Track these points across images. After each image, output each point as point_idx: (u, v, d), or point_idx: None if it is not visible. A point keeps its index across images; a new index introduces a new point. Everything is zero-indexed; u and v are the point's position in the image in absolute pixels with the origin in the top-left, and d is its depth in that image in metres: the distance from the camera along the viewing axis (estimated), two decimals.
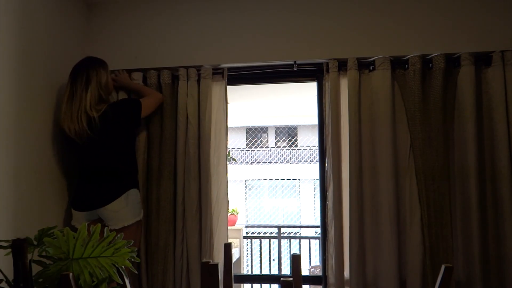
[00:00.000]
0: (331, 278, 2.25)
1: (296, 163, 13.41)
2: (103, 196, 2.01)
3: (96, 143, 2.02)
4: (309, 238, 5.46)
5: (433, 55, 2.18)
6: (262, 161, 13.66)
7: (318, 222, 2.41)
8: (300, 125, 13.40)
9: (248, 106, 6.87)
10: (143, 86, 2.34)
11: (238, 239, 5.07)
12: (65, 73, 2.14)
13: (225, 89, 2.35)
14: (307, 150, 13.34)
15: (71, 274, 1.09)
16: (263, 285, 4.98)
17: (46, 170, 2.00)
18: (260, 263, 5.21)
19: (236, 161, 13.24)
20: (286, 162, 13.51)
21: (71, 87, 2.03)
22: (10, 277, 1.21)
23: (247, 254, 5.46)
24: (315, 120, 2.42)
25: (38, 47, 1.97)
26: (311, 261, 5.15)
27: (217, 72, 2.35)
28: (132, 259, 1.28)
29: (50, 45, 2.06)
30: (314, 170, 11.73)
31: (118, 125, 2.08)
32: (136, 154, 2.28)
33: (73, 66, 2.09)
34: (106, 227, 1.51)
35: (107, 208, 2.00)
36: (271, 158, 13.66)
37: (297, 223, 12.89)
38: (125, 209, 2.02)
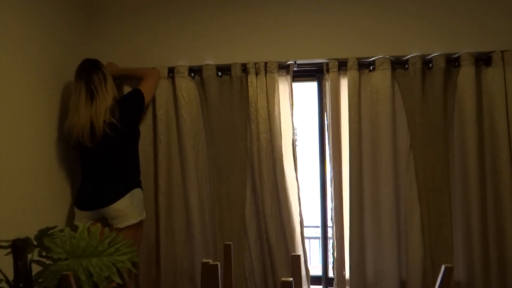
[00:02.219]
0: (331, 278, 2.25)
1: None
2: (109, 195, 2.01)
3: (104, 144, 2.01)
4: (309, 238, 5.45)
5: (433, 55, 2.18)
6: None
7: (318, 222, 2.41)
8: (300, 125, 13.38)
9: None
10: (137, 68, 2.31)
11: None
12: (66, 73, 2.13)
13: (291, 85, 2.34)
14: (307, 150, 13.31)
15: (71, 274, 1.09)
16: None
17: (46, 170, 2.00)
18: None
19: None
20: None
21: (87, 88, 1.99)
22: (10, 277, 1.21)
23: None
24: (315, 120, 2.42)
25: (39, 47, 1.96)
26: (311, 261, 5.15)
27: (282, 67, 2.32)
28: (132, 259, 1.28)
29: (51, 45, 2.06)
30: (314, 170, 11.69)
31: (126, 124, 2.06)
32: (196, 148, 2.29)
33: (74, 66, 2.07)
34: (106, 227, 1.51)
35: (112, 207, 2.00)
36: None
37: None
38: (130, 208, 2.02)
